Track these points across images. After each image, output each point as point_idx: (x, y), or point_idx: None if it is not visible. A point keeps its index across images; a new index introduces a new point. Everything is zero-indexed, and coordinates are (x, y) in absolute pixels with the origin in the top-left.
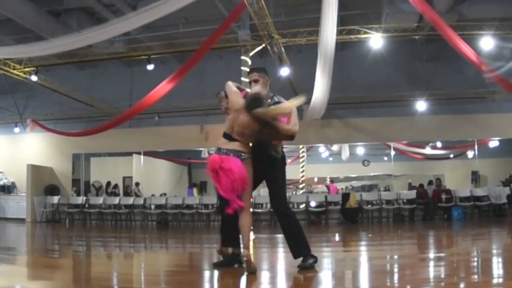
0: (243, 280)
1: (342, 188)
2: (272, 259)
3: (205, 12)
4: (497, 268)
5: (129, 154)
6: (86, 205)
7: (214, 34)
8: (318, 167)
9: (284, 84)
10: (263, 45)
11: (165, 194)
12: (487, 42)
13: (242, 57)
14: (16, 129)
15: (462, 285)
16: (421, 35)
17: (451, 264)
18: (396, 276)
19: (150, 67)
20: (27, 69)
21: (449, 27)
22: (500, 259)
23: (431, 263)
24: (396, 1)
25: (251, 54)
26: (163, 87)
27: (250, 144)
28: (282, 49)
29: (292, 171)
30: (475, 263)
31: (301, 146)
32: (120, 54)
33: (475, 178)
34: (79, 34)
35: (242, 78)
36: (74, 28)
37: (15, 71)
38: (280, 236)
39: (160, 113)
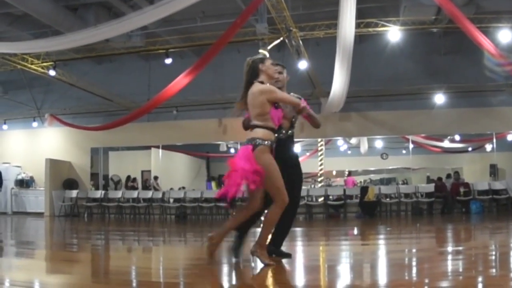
0: (260, 273)
1: (360, 182)
2: (291, 252)
3: (222, 5)
4: None
5: (148, 148)
6: (105, 199)
7: (232, 27)
8: (337, 160)
9: (302, 78)
10: (281, 38)
11: (183, 187)
12: (505, 35)
13: (260, 51)
14: (34, 124)
15: (480, 278)
16: (439, 27)
17: (469, 257)
18: (414, 270)
19: (168, 61)
20: (45, 64)
21: (467, 19)
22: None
23: (449, 257)
24: None
25: (269, 47)
26: (181, 80)
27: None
28: (300, 42)
29: (311, 165)
30: (493, 257)
31: (319, 139)
32: (138, 48)
33: (494, 171)
34: (96, 28)
35: None
36: (91, 22)
37: (33, 66)
38: (299, 230)
39: (178, 107)
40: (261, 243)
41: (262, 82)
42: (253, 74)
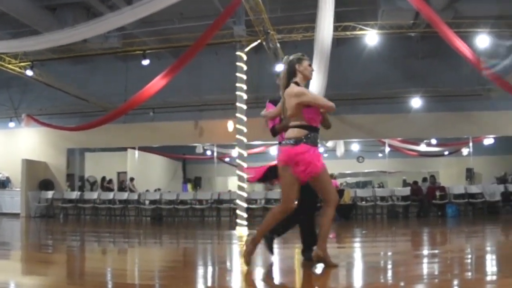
0: (238, 275)
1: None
2: (267, 255)
3: (200, 7)
4: (491, 265)
5: (124, 149)
6: (81, 200)
7: (209, 29)
8: None
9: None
10: (259, 41)
11: (159, 189)
12: (483, 40)
13: (237, 53)
14: (11, 124)
15: (455, 282)
16: (417, 32)
17: (445, 261)
18: (390, 273)
19: (145, 62)
20: (22, 64)
21: (445, 24)
22: (493, 257)
23: (425, 260)
24: None
25: (246, 49)
26: (158, 82)
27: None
28: (278, 45)
29: None
30: (469, 260)
31: None
32: (115, 49)
33: (470, 175)
34: (74, 29)
35: (238, 74)
36: (69, 23)
37: (10, 66)
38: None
39: (155, 109)
40: (257, 239)
41: (297, 83)
42: (290, 74)
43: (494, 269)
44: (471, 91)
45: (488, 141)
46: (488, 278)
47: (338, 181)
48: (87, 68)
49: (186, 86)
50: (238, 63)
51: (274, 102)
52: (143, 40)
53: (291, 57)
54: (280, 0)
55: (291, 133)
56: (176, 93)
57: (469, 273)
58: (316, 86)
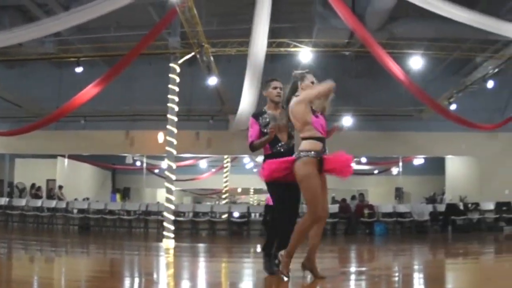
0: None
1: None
2: (193, 268)
3: (137, 17)
4: (418, 283)
5: (54, 156)
6: (9, 207)
7: (144, 39)
8: (242, 178)
9: (212, 94)
10: (193, 53)
11: (88, 198)
12: (417, 61)
13: (171, 64)
14: None
15: None
16: (351, 51)
17: (372, 278)
18: None
19: (79, 69)
20: None
21: (378, 45)
22: (421, 275)
23: (352, 277)
24: (327, 17)
25: (180, 61)
26: (90, 90)
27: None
28: (211, 58)
29: (216, 181)
30: (396, 278)
31: (225, 156)
32: (50, 55)
33: (399, 194)
34: (9, 32)
35: (170, 86)
36: (6, 26)
37: None
38: (202, 245)
39: (86, 117)
40: (289, 251)
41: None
42: (293, 90)
43: (422, 287)
44: (403, 111)
45: (418, 161)
46: None
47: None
48: (22, 73)
49: (118, 95)
50: (171, 75)
51: (257, 117)
52: (78, 47)
53: (296, 73)
54: (216, 13)
55: (308, 145)
56: (108, 102)
57: None
58: (248, 100)
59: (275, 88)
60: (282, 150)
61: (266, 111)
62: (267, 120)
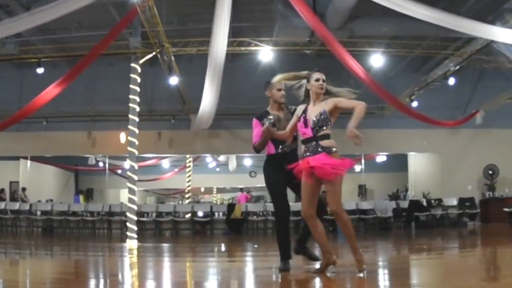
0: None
1: (228, 199)
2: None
3: (98, 17)
4: (383, 279)
5: (17, 158)
6: None
7: (104, 39)
8: (205, 177)
9: (173, 93)
10: (154, 53)
11: (51, 200)
12: (377, 59)
13: (132, 64)
14: None
15: None
16: (312, 49)
17: (337, 275)
18: (281, 287)
19: (40, 70)
20: None
21: (339, 43)
22: (385, 271)
23: (318, 275)
24: (288, 15)
25: (141, 61)
26: (52, 90)
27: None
28: (172, 58)
29: (179, 181)
30: (361, 274)
31: (188, 156)
32: (11, 55)
33: (362, 191)
34: None
35: (131, 86)
36: None
37: None
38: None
39: (48, 118)
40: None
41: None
42: (307, 91)
43: (387, 283)
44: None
45: (381, 158)
46: None
47: (230, 196)
48: None
49: (80, 96)
50: (132, 75)
51: (260, 118)
52: (40, 48)
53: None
54: (176, 13)
55: (332, 143)
56: (70, 103)
57: None
58: (209, 99)
59: (280, 90)
60: (287, 151)
61: (270, 111)
62: (272, 121)
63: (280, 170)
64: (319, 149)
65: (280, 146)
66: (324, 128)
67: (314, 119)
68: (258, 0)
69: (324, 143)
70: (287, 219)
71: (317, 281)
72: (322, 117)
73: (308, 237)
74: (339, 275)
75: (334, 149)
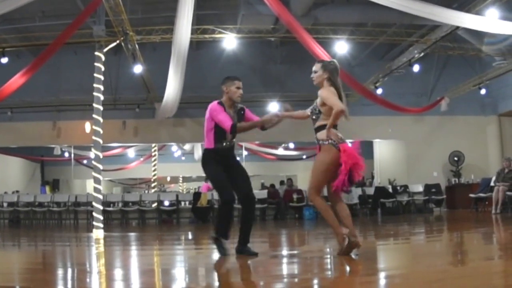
0: (97, 276)
1: (194, 188)
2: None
3: (62, 6)
4: (350, 264)
5: None
6: None
7: (68, 28)
8: (171, 166)
9: (137, 82)
10: (118, 41)
11: (17, 191)
12: (342, 46)
13: (96, 53)
14: None
15: (315, 281)
16: (276, 37)
17: (304, 261)
18: (249, 272)
19: (4, 60)
20: None
21: (304, 30)
22: (353, 256)
23: (284, 260)
24: (253, 3)
25: (105, 50)
26: (16, 80)
27: None
28: (136, 46)
29: (144, 170)
30: (328, 260)
31: (153, 145)
32: None
33: None
34: None
35: (95, 75)
36: None
37: None
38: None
39: (13, 108)
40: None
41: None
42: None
43: (354, 268)
44: None
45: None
46: (348, 276)
47: (196, 185)
48: None
49: (44, 85)
50: (96, 64)
51: (222, 104)
52: (3, 37)
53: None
54: (140, 1)
55: (322, 135)
56: (34, 93)
57: (329, 273)
58: (173, 88)
59: (239, 88)
60: (228, 146)
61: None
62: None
63: (217, 165)
64: (316, 141)
65: (224, 141)
66: (318, 120)
67: (309, 112)
68: None
69: (318, 135)
70: (233, 206)
71: (290, 267)
72: (316, 110)
73: (247, 236)
74: (307, 259)
75: (326, 142)
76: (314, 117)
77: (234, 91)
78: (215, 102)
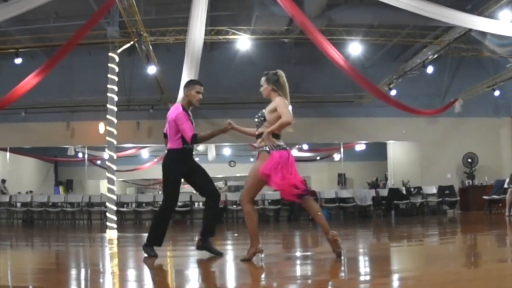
0: (110, 277)
1: None
2: (138, 257)
3: (76, 7)
4: (364, 266)
5: None
6: None
7: (81, 29)
8: None
9: (151, 82)
10: (131, 42)
11: (31, 191)
12: (356, 48)
13: (110, 54)
14: None
15: (330, 282)
16: (290, 38)
17: (318, 262)
18: (263, 274)
19: (18, 61)
20: None
21: (318, 31)
22: (366, 258)
23: (298, 262)
24: (267, 4)
25: (119, 51)
26: (30, 81)
27: None
28: (150, 47)
29: (157, 171)
30: (342, 262)
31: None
32: None
33: (341, 180)
34: None
35: (109, 75)
36: None
37: None
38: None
39: (27, 109)
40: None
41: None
42: None
43: (367, 269)
44: (343, 97)
45: (360, 147)
46: (361, 278)
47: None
48: None
49: (58, 86)
50: (110, 65)
51: (186, 111)
52: (17, 38)
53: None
54: (154, 2)
55: (259, 143)
56: (48, 93)
57: (342, 274)
58: None
59: (199, 93)
60: (191, 147)
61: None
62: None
63: (183, 165)
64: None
65: (188, 143)
66: (260, 127)
67: (256, 119)
68: None
69: (257, 142)
70: (171, 213)
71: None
72: (262, 117)
73: (210, 232)
74: (320, 260)
75: (262, 149)
76: (257, 123)
77: (194, 95)
78: (179, 106)
